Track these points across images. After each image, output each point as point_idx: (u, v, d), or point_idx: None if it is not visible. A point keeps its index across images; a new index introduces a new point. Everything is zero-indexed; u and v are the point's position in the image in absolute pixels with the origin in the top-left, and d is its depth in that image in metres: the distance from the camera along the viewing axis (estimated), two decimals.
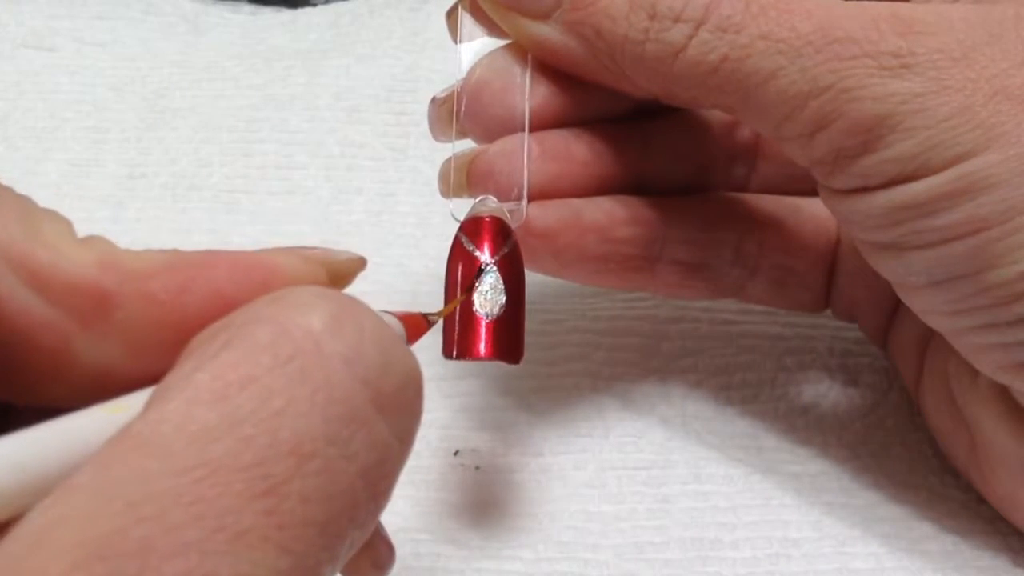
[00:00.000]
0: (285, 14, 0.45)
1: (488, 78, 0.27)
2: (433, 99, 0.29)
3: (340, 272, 0.19)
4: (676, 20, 0.25)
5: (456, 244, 0.25)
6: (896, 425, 0.31)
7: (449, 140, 0.28)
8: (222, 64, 0.42)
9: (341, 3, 0.45)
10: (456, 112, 0.28)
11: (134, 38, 0.43)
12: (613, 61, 0.26)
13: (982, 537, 0.28)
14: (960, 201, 0.23)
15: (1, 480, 0.14)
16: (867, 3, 0.25)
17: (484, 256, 0.25)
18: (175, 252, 0.17)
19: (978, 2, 0.25)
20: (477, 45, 0.28)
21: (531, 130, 0.27)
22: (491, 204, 0.26)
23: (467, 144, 0.28)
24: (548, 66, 0.27)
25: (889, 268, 0.26)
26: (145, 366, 0.17)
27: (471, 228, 0.26)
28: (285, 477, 0.15)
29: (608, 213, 0.28)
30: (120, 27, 0.44)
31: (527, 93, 0.27)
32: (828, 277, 0.31)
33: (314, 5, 0.45)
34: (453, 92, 0.28)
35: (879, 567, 0.28)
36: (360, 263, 0.20)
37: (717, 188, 0.30)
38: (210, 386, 0.15)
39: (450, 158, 0.28)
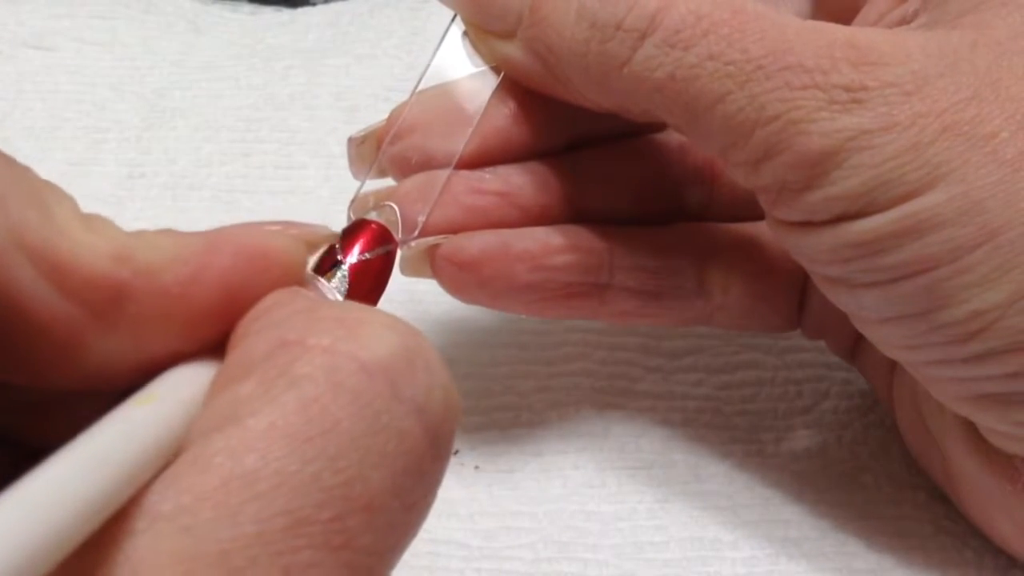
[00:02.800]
0: (285, 14, 0.45)
1: (412, 121, 0.27)
2: (350, 139, 0.28)
3: (316, 245, 0.20)
4: (617, 28, 0.24)
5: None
6: (897, 425, 0.31)
7: (364, 178, 0.28)
8: (222, 64, 0.42)
9: (341, 3, 0.45)
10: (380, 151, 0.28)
11: (134, 38, 0.43)
12: (566, 76, 0.26)
13: (982, 538, 0.28)
14: (907, 240, 0.23)
15: (67, 514, 0.13)
16: (825, 26, 0.24)
17: (342, 254, 0.25)
18: (178, 237, 0.17)
19: (934, 26, 0.25)
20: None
21: (467, 164, 0.27)
22: (387, 215, 0.26)
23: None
24: (485, 105, 0.27)
25: (841, 302, 0.26)
26: (150, 354, 0.17)
27: (352, 227, 0.25)
28: (358, 531, 0.15)
29: (541, 242, 0.27)
30: (120, 26, 0.44)
31: (451, 136, 0.27)
32: (799, 299, 0.30)
33: (314, 5, 0.45)
34: (371, 132, 0.28)
35: (879, 567, 0.28)
36: (334, 236, 0.20)
37: (674, 216, 0.30)
38: (292, 422, 0.15)
39: (353, 198, 0.28)
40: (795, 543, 0.28)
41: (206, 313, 0.17)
